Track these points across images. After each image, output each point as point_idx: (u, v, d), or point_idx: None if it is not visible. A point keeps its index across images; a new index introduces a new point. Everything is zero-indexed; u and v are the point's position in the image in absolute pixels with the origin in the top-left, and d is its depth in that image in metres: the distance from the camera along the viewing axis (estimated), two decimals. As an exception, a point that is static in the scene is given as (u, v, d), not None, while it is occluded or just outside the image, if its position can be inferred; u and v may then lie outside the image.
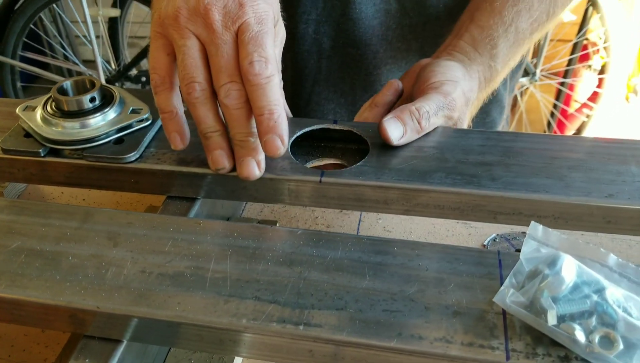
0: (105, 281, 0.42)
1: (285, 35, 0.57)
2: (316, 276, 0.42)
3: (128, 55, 2.44)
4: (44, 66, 2.42)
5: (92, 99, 0.55)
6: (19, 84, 2.28)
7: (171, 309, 0.40)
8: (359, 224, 0.67)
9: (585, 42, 2.33)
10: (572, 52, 2.36)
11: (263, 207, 0.69)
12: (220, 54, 0.48)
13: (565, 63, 2.38)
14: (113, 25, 2.33)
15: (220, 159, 0.51)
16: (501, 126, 0.91)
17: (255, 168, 0.50)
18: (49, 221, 0.48)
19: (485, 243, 0.64)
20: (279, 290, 0.41)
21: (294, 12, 0.73)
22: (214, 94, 0.49)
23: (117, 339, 0.42)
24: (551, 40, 2.30)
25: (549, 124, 2.48)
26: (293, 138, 0.56)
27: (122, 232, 0.46)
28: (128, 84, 2.32)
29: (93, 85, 0.56)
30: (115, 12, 2.26)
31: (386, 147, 0.55)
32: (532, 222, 0.42)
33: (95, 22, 2.20)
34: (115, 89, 0.58)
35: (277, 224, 0.63)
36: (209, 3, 0.48)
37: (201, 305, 0.40)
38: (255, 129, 0.49)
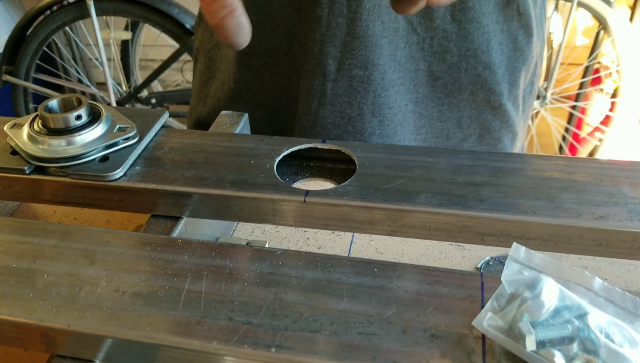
0: (79, 299, 0.42)
1: None
2: (293, 297, 0.41)
3: (139, 77, 2.46)
4: (58, 88, 2.45)
5: (78, 117, 0.55)
6: (31, 105, 2.31)
7: (142, 329, 0.39)
8: (350, 246, 0.66)
9: (597, 65, 2.32)
10: (584, 76, 2.35)
11: (254, 227, 0.68)
12: None
13: (577, 86, 2.36)
14: (125, 48, 2.36)
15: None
16: None
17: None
18: (28, 239, 0.47)
19: (479, 265, 0.63)
20: (254, 311, 0.40)
21: (301, 28, 0.73)
22: None
23: (89, 359, 0.42)
24: (562, 63, 2.29)
25: (560, 148, 2.46)
26: (279, 157, 0.56)
27: (99, 250, 0.46)
28: (138, 105, 2.34)
29: (80, 102, 0.56)
30: (127, 35, 2.29)
31: (374, 167, 0.54)
32: (514, 243, 0.41)
33: (107, 45, 2.23)
34: (103, 106, 0.58)
35: (267, 245, 0.62)
36: None
37: (172, 326, 0.39)
38: None
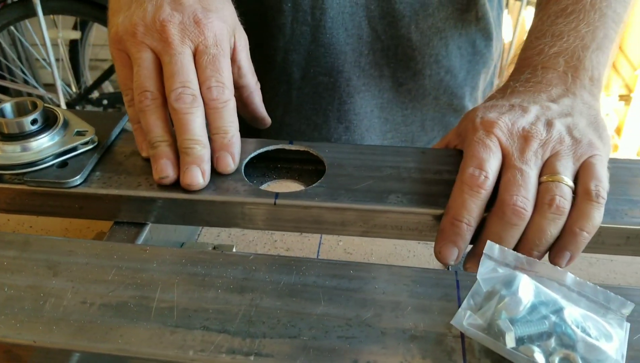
0: (44, 313, 0.40)
1: (247, 40, 0.57)
2: (269, 303, 0.41)
3: (89, 78, 2.40)
4: (3, 90, 2.36)
5: (34, 121, 0.53)
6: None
7: (113, 342, 0.38)
8: (319, 247, 0.65)
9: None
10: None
11: (220, 231, 0.67)
12: (173, 61, 0.49)
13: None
14: (74, 48, 2.29)
15: (165, 168, 0.50)
16: None
17: (199, 176, 0.49)
18: (-15, 251, 0.45)
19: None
20: (229, 319, 0.39)
21: (260, 37, 0.72)
22: (165, 105, 0.50)
23: (56, 376, 0.40)
24: (510, 63, 2.33)
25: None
26: (247, 159, 0.54)
27: (62, 261, 0.44)
28: (89, 107, 2.28)
29: (35, 106, 0.54)
30: (76, 35, 2.22)
31: (342, 167, 0.53)
32: (488, 241, 0.41)
33: (55, 44, 2.16)
34: (59, 110, 0.56)
35: (234, 249, 0.61)
36: (164, 19, 0.49)
37: (145, 337, 0.38)
38: (201, 138, 0.49)
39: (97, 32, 2.36)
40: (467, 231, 0.47)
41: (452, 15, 0.73)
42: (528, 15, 2.30)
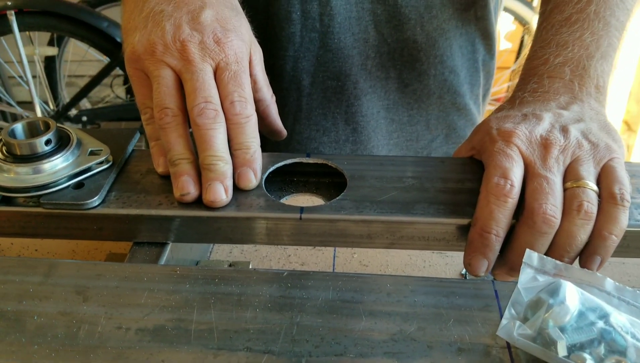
0: (78, 341, 0.38)
1: (262, 53, 0.57)
2: (309, 320, 0.40)
3: (66, 95, 2.35)
4: (-24, 109, 2.31)
5: (48, 142, 0.51)
6: (-51, 129, 2.16)
7: (155, 368, 0.37)
8: (334, 260, 0.65)
9: (520, 68, 2.41)
10: (511, 79, 2.44)
11: (232, 248, 0.66)
12: (195, 78, 0.48)
13: (505, 89, 2.45)
14: (50, 64, 2.25)
15: (186, 185, 0.49)
16: None
17: (222, 193, 0.49)
18: (8, 277, 0.43)
19: (463, 272, 0.63)
20: (272, 339, 0.38)
21: (270, 48, 0.71)
22: (186, 122, 0.50)
23: (92, 405, 0.38)
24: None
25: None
26: (266, 174, 0.54)
27: (91, 285, 0.43)
28: (68, 125, 2.23)
29: (47, 126, 0.53)
30: (53, 51, 2.19)
31: (364, 179, 0.53)
32: (527, 250, 0.41)
33: (31, 61, 2.11)
34: (72, 130, 0.54)
35: (250, 266, 0.60)
36: (184, 39, 0.49)
37: (188, 361, 0.37)
38: (224, 154, 0.49)
39: (73, 48, 2.32)
40: (496, 242, 0.47)
41: (454, 16, 0.74)
42: (502, 21, 2.34)
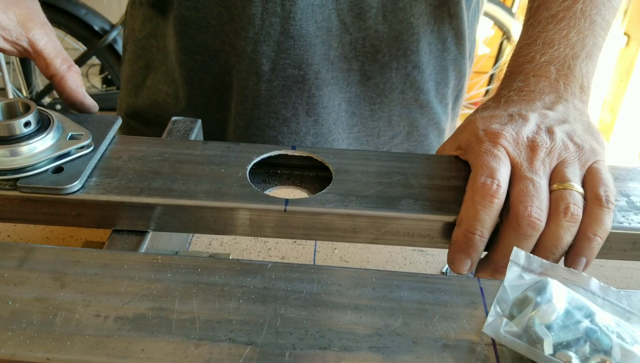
0: (55, 328, 0.37)
1: (49, 29, 0.61)
2: (293, 312, 0.39)
3: (40, 83, 2.31)
4: (-55, 93, 2.25)
5: (27, 124, 0.50)
6: None
7: (134, 357, 0.36)
8: (314, 255, 0.64)
9: (500, 73, 2.44)
10: (489, 83, 2.47)
11: (211, 239, 0.65)
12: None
13: (483, 93, 2.48)
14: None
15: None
16: None
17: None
18: (-19, 262, 0.42)
19: (444, 270, 0.63)
20: (255, 330, 0.38)
21: (234, 27, 0.70)
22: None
23: (67, 394, 0.37)
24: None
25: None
26: (251, 163, 0.53)
27: (69, 272, 0.41)
28: (41, 113, 2.19)
29: (27, 108, 0.51)
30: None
31: (349, 173, 0.52)
32: (515, 248, 0.41)
33: (4, 47, 2.06)
34: (52, 113, 0.53)
35: (230, 257, 0.59)
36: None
37: (169, 351, 0.36)
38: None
39: (49, 34, 2.27)
40: (480, 243, 0.47)
41: (425, 12, 0.74)
42: (481, 27, 2.36)
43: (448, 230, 0.49)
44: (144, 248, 0.49)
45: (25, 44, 0.57)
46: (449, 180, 0.52)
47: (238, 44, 0.71)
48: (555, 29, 0.58)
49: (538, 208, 0.46)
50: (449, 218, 0.48)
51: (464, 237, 0.47)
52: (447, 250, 0.49)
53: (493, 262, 0.49)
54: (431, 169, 0.54)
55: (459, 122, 0.87)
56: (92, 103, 0.60)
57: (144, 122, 0.84)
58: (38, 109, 0.51)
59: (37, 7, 0.61)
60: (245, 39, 0.70)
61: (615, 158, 2.55)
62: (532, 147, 0.49)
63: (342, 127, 0.78)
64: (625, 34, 2.38)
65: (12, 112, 0.51)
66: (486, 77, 2.46)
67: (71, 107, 0.60)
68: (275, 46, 0.70)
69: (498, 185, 0.47)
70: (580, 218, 0.46)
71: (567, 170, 0.48)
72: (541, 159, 0.49)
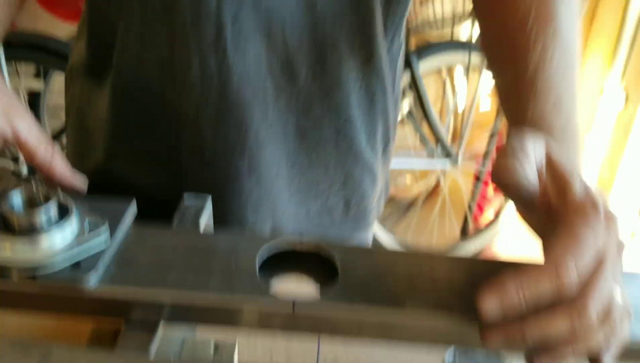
0: None
1: (27, 121, 0.62)
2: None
3: (48, 127, 2.34)
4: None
5: (48, 217, 0.51)
6: None
7: None
8: (318, 347, 0.65)
9: (501, 128, 2.47)
10: (490, 138, 2.50)
11: (218, 322, 0.66)
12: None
13: (485, 146, 2.51)
14: (34, 95, 2.24)
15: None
16: (375, 200, 0.93)
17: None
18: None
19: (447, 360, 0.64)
20: None
21: (176, 88, 0.73)
22: None
23: None
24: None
25: (470, 207, 2.58)
26: (261, 261, 0.55)
27: (85, 375, 0.43)
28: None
29: (48, 197, 0.52)
30: (39, 85, 2.17)
31: (356, 271, 0.54)
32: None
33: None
34: (68, 197, 0.53)
35: (236, 345, 0.61)
36: None
37: None
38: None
39: (58, 79, 2.32)
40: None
41: (354, 68, 0.77)
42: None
43: (454, 332, 0.50)
44: (156, 341, 0.50)
45: (9, 135, 0.60)
46: (459, 282, 0.54)
47: (181, 111, 0.73)
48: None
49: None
50: (455, 321, 0.50)
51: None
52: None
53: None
54: (439, 270, 0.55)
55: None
56: (81, 183, 0.64)
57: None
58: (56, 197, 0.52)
59: (15, 95, 0.64)
60: (188, 102, 0.73)
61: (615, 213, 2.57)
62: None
63: (283, 180, 0.81)
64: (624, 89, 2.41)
65: (31, 201, 0.52)
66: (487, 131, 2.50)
67: (65, 191, 0.63)
68: (216, 111, 0.73)
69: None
70: None
71: None
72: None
